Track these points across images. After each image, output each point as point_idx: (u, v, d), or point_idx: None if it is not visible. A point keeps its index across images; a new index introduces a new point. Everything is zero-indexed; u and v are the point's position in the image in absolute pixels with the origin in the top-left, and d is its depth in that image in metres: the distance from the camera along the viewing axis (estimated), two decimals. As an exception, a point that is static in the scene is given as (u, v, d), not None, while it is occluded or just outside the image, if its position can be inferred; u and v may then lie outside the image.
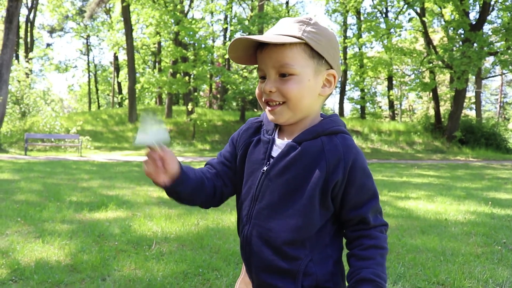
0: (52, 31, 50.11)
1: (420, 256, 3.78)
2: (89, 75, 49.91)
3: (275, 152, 1.20)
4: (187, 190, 1.18)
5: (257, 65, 1.21)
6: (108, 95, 55.15)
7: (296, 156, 1.15)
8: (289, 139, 1.20)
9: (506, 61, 23.12)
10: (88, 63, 49.81)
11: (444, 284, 3.13)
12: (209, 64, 28.21)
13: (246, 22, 28.64)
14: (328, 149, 1.14)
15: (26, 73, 24.01)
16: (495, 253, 3.95)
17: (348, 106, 47.32)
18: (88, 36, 48.41)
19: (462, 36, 24.17)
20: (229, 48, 1.16)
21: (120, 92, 44.34)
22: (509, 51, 22.96)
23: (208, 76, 29.74)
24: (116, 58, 43.90)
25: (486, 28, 25.45)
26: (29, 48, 38.38)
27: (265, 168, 1.19)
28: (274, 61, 1.13)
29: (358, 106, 34.84)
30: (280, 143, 1.21)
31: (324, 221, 1.17)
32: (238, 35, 30.57)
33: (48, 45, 51.57)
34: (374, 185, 1.17)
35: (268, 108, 1.18)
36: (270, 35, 1.14)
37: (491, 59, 27.47)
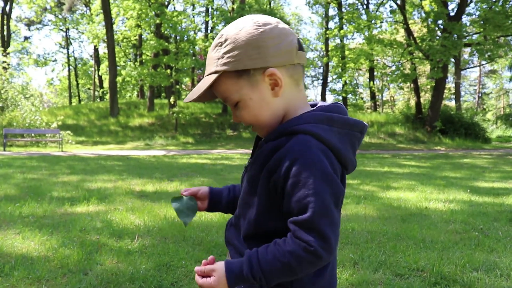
0: (30, 24, 49.10)
1: (400, 244, 3.85)
2: (69, 68, 49.10)
3: None
4: (224, 209, 1.39)
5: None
6: (89, 89, 54.42)
7: (257, 155, 1.15)
8: None
9: (482, 50, 23.60)
10: (68, 57, 48.98)
11: (423, 270, 3.19)
12: (192, 57, 28.02)
13: (229, 14, 28.48)
14: (279, 149, 1.08)
15: (4, 67, 23.54)
16: (473, 239, 4.04)
17: (330, 98, 47.56)
18: (68, 29, 47.59)
19: (441, 27, 24.50)
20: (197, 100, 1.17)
21: (101, 86, 43.77)
22: (487, 42, 23.40)
23: (190, 69, 29.55)
24: (96, 51, 43.25)
25: (465, 19, 25.84)
26: (6, 42, 37.56)
27: (246, 165, 1.24)
28: (221, 99, 1.16)
29: (340, 98, 35.00)
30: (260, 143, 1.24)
31: (279, 225, 1.10)
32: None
33: (26, 38, 50.60)
34: (307, 198, 1.00)
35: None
36: (200, 83, 1.16)
37: (469, 51, 27.97)
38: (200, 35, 35.51)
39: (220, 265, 1.06)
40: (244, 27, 1.09)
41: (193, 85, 38.56)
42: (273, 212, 1.10)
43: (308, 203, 1.00)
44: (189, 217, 1.31)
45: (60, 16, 46.04)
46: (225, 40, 1.09)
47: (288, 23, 36.58)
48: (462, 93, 57.37)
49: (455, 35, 23.24)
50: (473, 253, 3.56)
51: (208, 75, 1.13)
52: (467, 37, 25.77)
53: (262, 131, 1.16)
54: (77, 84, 50.22)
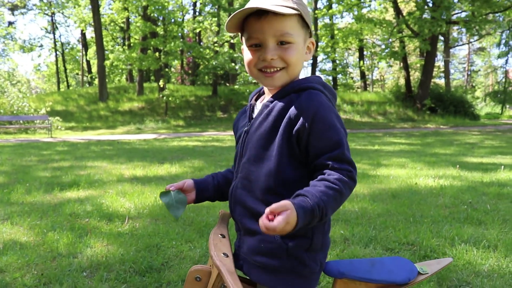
0: (13, 8, 48.05)
1: (391, 219, 3.87)
2: (56, 54, 48.24)
3: (255, 114, 1.35)
4: (211, 196, 1.48)
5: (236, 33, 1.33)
6: (77, 74, 53.62)
7: (268, 112, 1.27)
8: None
9: (470, 25, 23.59)
10: (54, 42, 48.08)
11: (413, 244, 3.21)
12: (180, 40, 27.66)
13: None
14: (293, 103, 1.23)
15: (-12, 54, 23.11)
16: (461, 212, 4.08)
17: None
18: (53, 13, 46.59)
19: (430, 5, 24.42)
20: (231, 17, 1.23)
21: (89, 70, 43.22)
22: (476, 18, 23.39)
23: (179, 51, 29.22)
24: (83, 35, 42.56)
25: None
26: (-11, 28, 36.80)
27: (245, 128, 1.35)
28: (274, 30, 1.22)
29: (330, 78, 34.92)
30: (259, 105, 1.36)
31: (298, 173, 1.25)
32: (209, 8, 30.05)
33: (10, 23, 49.55)
34: (338, 135, 1.19)
35: (264, 74, 1.27)
36: (271, 5, 1.19)
37: (458, 28, 27.86)
38: (188, 17, 35.05)
39: (288, 202, 1.06)
40: None
41: (182, 68, 38.21)
42: (292, 161, 1.24)
43: (338, 140, 1.18)
44: (180, 210, 1.36)
45: (44, 0, 45.07)
46: None
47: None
48: (452, 71, 57.49)
49: (444, 12, 23.19)
50: (462, 226, 3.60)
51: (285, 6, 1.20)
52: (456, 15, 25.69)
53: (281, 80, 1.28)
54: (65, 69, 49.44)
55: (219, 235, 1.35)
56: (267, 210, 1.03)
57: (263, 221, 1.03)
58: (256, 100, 1.43)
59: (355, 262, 1.41)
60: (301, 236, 1.23)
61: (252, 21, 1.24)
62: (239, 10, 1.21)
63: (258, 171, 1.27)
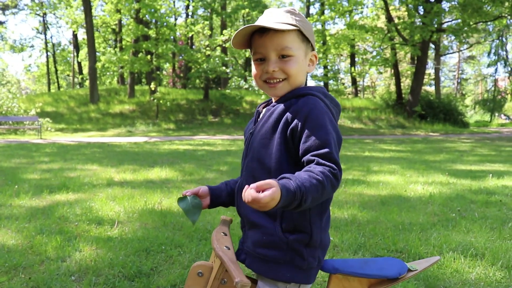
0: (4, 8, 47.69)
1: (380, 227, 3.89)
2: (47, 54, 47.84)
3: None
4: (225, 201, 1.59)
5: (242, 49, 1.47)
6: (68, 75, 53.25)
7: (269, 115, 1.40)
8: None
9: (458, 32, 23.92)
10: (45, 42, 47.72)
11: (402, 252, 3.24)
12: (172, 43, 27.64)
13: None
14: (291, 106, 1.34)
15: (-22, 53, 22.90)
16: (450, 220, 4.11)
17: (311, 83, 47.53)
18: (45, 13, 46.26)
19: (421, 13, 24.71)
20: (235, 34, 1.37)
21: (80, 72, 42.98)
22: (466, 28, 23.71)
23: (171, 54, 29.19)
24: (75, 37, 42.32)
25: (445, 6, 26.06)
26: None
27: (251, 131, 1.47)
28: (275, 45, 1.36)
29: (322, 83, 35.05)
30: (264, 110, 1.49)
31: (296, 171, 1.26)
32: (199, 10, 30.02)
33: (1, 23, 49.16)
34: (327, 135, 1.26)
35: (268, 85, 1.41)
36: (272, 23, 1.35)
37: (448, 36, 28.19)
38: (181, 20, 35.03)
39: (273, 181, 1.11)
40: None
41: (174, 71, 38.16)
42: (290, 159, 1.33)
43: (326, 140, 1.25)
44: (196, 215, 1.44)
45: (36, 0, 44.76)
46: (298, 13, 1.40)
47: (267, 8, 36.27)
48: (442, 78, 58.12)
49: (435, 18, 23.49)
50: (450, 234, 3.63)
51: (285, 23, 1.35)
52: (447, 23, 25.99)
53: (283, 90, 1.41)
54: (56, 70, 49.04)
55: (221, 233, 1.45)
56: (253, 185, 1.07)
57: (249, 191, 1.06)
58: (263, 108, 1.54)
59: (349, 260, 1.50)
60: (301, 231, 1.32)
61: (256, 38, 1.39)
62: (243, 27, 1.34)
63: (260, 168, 1.37)
